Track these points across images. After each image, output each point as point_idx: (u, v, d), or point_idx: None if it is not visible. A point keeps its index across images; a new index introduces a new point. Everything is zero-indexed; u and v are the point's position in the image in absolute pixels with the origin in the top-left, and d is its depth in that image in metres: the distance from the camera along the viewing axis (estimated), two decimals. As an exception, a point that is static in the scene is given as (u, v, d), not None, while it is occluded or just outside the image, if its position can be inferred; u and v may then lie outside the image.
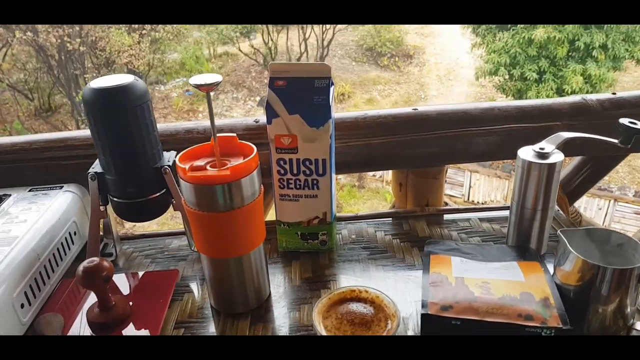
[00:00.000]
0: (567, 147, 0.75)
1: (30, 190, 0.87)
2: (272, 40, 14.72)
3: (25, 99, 12.51)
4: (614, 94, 1.00)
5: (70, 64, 10.56)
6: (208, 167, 0.65)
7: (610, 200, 8.47)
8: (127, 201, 0.76)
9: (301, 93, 0.73)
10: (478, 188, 9.48)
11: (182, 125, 0.93)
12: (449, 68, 15.70)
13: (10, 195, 0.85)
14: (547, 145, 0.74)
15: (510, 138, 0.94)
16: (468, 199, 9.60)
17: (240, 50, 14.21)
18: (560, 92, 9.84)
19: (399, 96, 14.62)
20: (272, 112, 0.73)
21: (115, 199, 0.77)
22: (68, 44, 9.78)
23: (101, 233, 0.84)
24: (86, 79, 10.51)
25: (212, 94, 0.64)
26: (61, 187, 0.87)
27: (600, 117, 0.96)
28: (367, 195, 9.57)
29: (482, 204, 9.55)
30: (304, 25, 14.17)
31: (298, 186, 0.78)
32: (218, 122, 0.90)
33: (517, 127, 0.94)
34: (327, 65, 0.74)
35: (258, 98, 13.09)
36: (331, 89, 0.74)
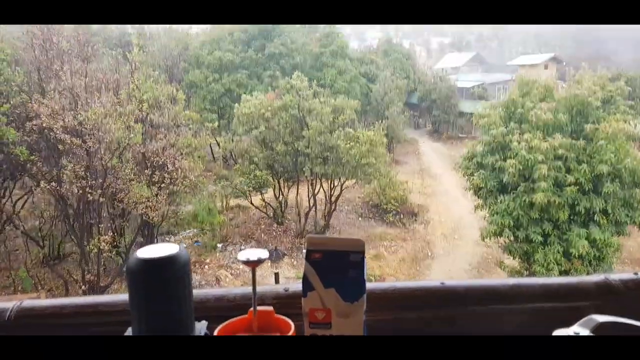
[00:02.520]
0: (599, 329, 0.74)
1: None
2: (282, 194, 15.38)
3: (36, 246, 12.70)
4: (635, 274, 1.02)
5: (87, 213, 10.95)
6: (246, 343, 0.65)
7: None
8: (155, 375, 0.73)
9: (337, 266, 0.74)
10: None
11: (213, 292, 0.94)
12: (453, 227, 16.02)
13: None
14: (581, 329, 0.74)
15: (540, 318, 0.93)
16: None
17: (252, 203, 14.77)
18: (567, 255, 9.84)
19: (406, 253, 14.66)
20: (308, 284, 0.74)
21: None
22: (89, 195, 10.25)
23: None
24: (100, 228, 10.77)
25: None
26: None
27: (626, 297, 0.97)
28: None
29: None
30: (314, 182, 14.94)
31: (331, 365, 0.75)
32: (246, 289, 0.91)
33: (547, 307, 0.94)
34: (361, 240, 0.77)
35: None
36: (365, 263, 0.76)
